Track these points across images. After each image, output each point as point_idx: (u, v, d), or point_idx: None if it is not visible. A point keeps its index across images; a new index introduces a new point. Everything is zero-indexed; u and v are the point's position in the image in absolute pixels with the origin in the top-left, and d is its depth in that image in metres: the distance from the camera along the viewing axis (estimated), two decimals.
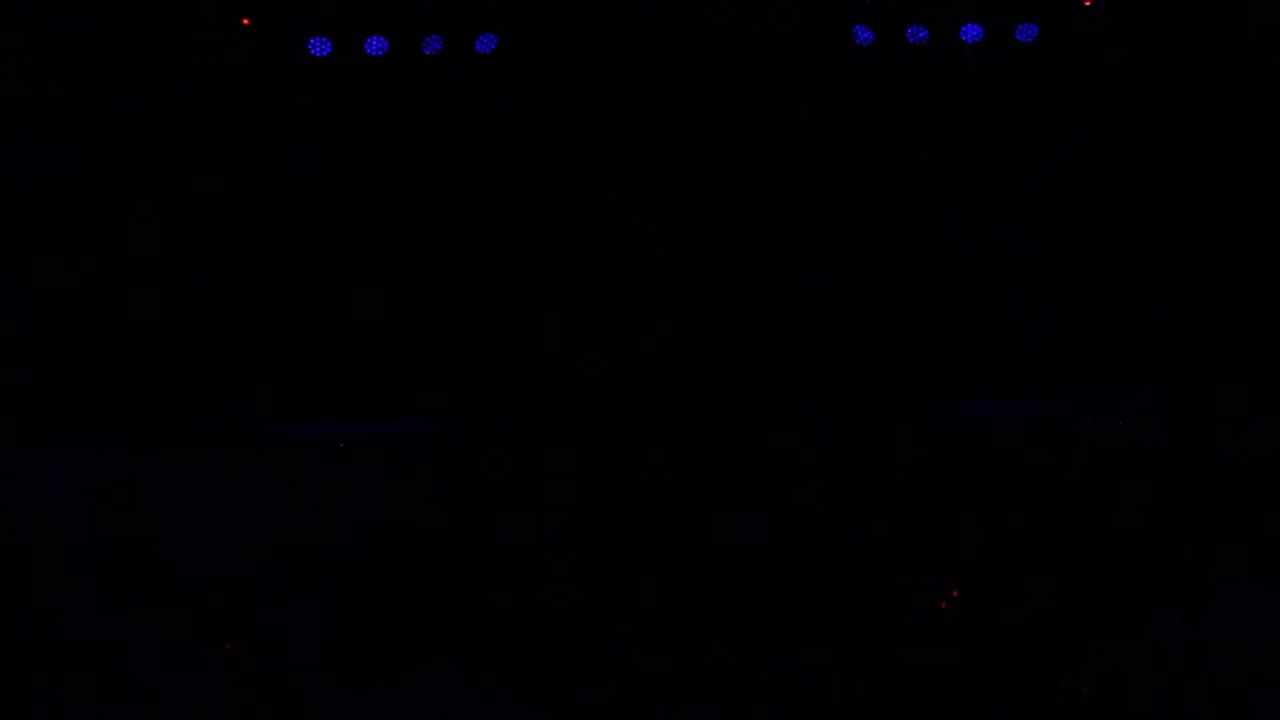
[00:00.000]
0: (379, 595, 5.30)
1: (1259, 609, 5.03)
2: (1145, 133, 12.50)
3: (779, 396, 11.84)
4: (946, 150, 12.43)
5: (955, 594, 5.88)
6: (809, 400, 11.86)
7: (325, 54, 12.42)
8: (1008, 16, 12.25)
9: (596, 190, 12.48)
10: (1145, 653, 5.04)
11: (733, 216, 12.44)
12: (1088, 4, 12.27)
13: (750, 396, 11.77)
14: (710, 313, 12.32)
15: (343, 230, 12.57)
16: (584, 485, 6.20)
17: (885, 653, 3.83)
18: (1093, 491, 6.57)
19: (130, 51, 12.06)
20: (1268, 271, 12.32)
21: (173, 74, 12.09)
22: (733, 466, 7.70)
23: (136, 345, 11.91)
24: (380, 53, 12.42)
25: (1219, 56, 11.90)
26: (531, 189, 12.69)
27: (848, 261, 12.50)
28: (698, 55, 12.29)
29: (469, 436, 11.17)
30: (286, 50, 12.33)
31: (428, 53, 12.54)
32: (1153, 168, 12.40)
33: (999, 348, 12.30)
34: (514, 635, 5.11)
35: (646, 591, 5.80)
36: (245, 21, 12.20)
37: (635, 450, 9.93)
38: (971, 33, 12.66)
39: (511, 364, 12.40)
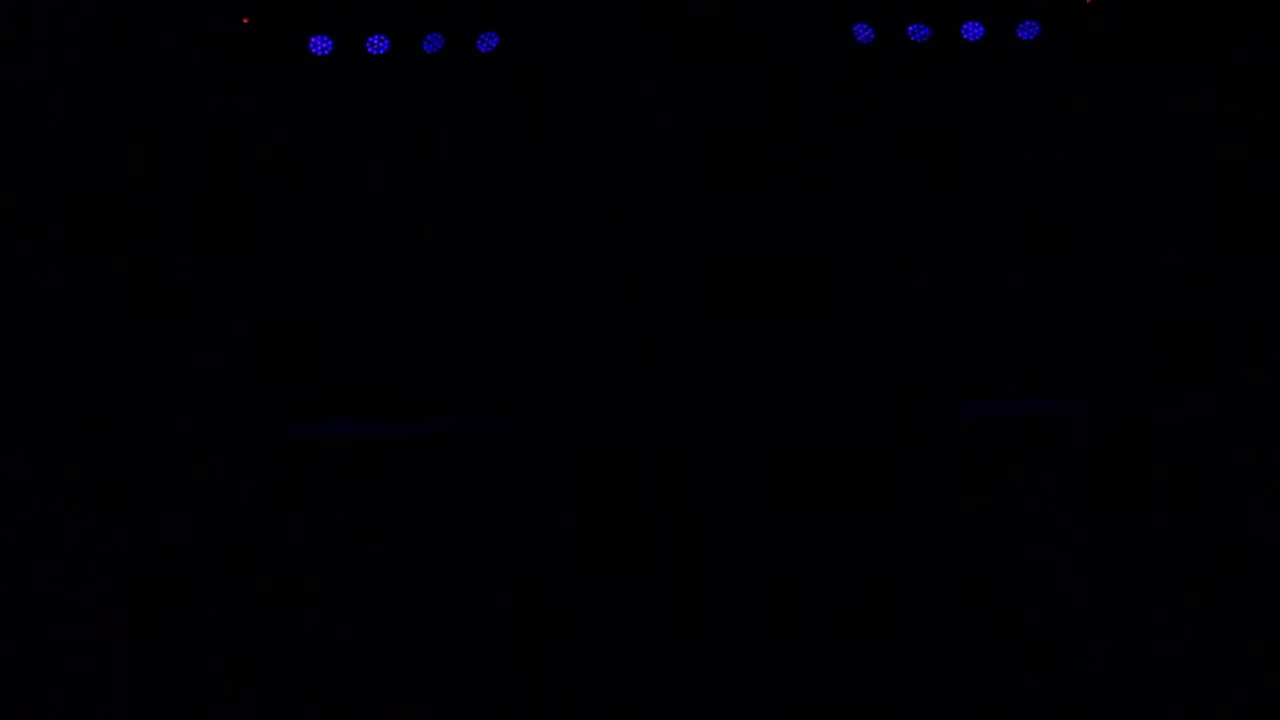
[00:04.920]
0: (379, 595, 5.34)
1: (1261, 610, 5.06)
2: (1143, 134, 12.59)
3: (778, 397, 11.92)
4: (948, 151, 12.52)
5: (957, 592, 5.92)
6: (807, 400, 11.95)
7: (326, 53, 12.52)
8: (1010, 15, 12.34)
9: (595, 193, 12.57)
10: (1145, 652, 5.07)
11: (732, 217, 12.54)
12: (1089, 1, 12.35)
13: (748, 398, 11.84)
14: (708, 314, 12.42)
15: (342, 229, 12.68)
16: (583, 485, 6.24)
17: (884, 652, 3.86)
18: (1094, 491, 6.59)
19: (127, 50, 12.15)
20: (1267, 275, 12.40)
21: (172, 73, 12.18)
22: (733, 469, 7.75)
23: (136, 345, 12.00)
24: (381, 51, 12.51)
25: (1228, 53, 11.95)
26: (532, 190, 12.78)
27: (847, 263, 12.60)
28: (699, 55, 12.38)
29: (470, 436, 11.26)
30: (286, 49, 12.43)
31: (428, 50, 12.64)
32: (1153, 169, 12.47)
33: (1000, 348, 12.39)
34: (515, 634, 5.15)
35: (646, 590, 5.83)
36: (245, 20, 12.29)
37: (634, 452, 10.00)
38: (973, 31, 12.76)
39: (512, 364, 12.49)
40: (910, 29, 12.55)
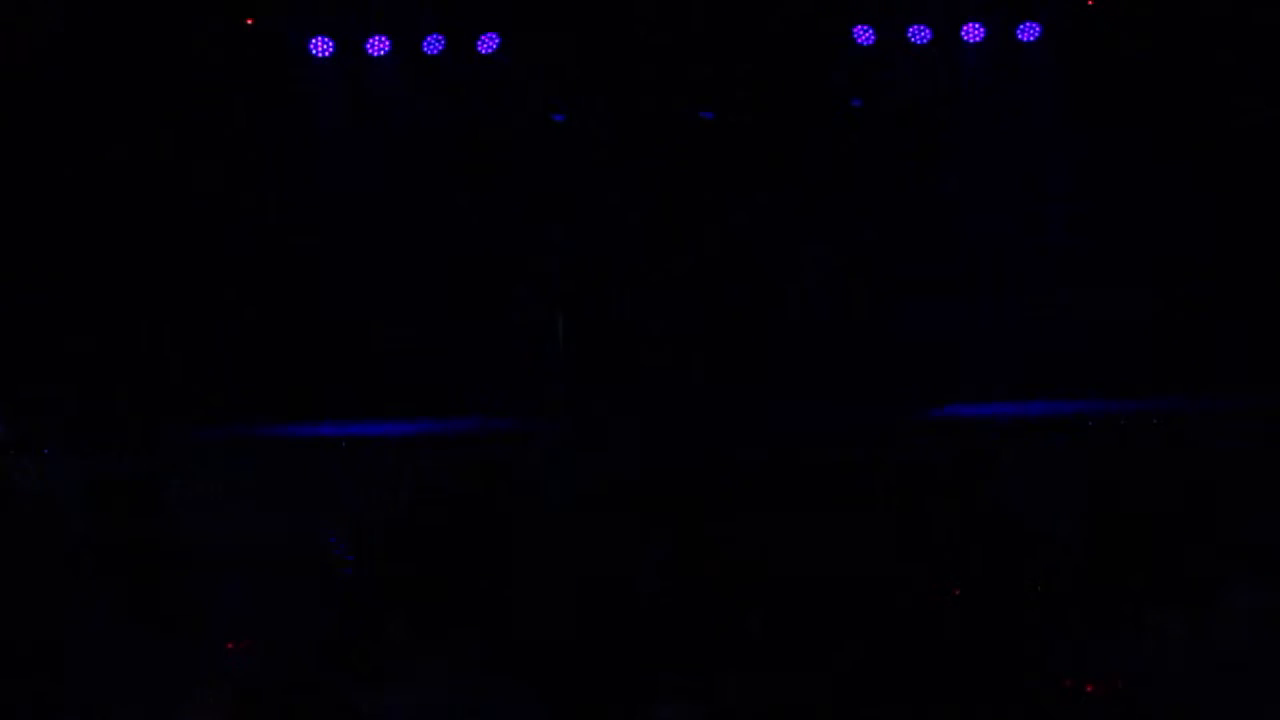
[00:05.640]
0: (379, 593, 5.32)
1: (1261, 609, 5.04)
2: (1146, 135, 12.49)
3: (782, 400, 11.84)
4: (954, 156, 12.40)
5: (956, 592, 5.89)
6: (810, 401, 11.87)
7: (327, 54, 12.43)
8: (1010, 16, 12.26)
9: (598, 196, 12.48)
10: (1145, 653, 5.04)
11: (731, 215, 12.46)
12: (1091, 3, 12.26)
13: (755, 400, 11.77)
14: (710, 313, 12.34)
15: (340, 232, 12.59)
16: (583, 484, 6.21)
17: (883, 651, 3.85)
18: (1093, 491, 6.57)
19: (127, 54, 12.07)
20: (1266, 278, 12.29)
21: (172, 74, 12.08)
22: (735, 468, 7.71)
23: (139, 348, 11.92)
24: (383, 53, 12.43)
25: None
26: (532, 190, 12.69)
27: (852, 267, 12.50)
28: (700, 59, 12.29)
29: (468, 436, 11.18)
30: (286, 50, 12.34)
31: (429, 52, 12.55)
32: (1153, 170, 12.38)
33: (1002, 350, 12.31)
34: (515, 632, 5.12)
35: (647, 587, 5.81)
36: (249, 21, 12.20)
37: (636, 449, 9.93)
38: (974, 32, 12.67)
39: (512, 365, 12.41)
40: (911, 30, 12.43)
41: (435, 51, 12.17)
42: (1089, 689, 4.62)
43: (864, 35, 12.19)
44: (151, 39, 11.59)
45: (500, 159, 12.36)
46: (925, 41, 12.12)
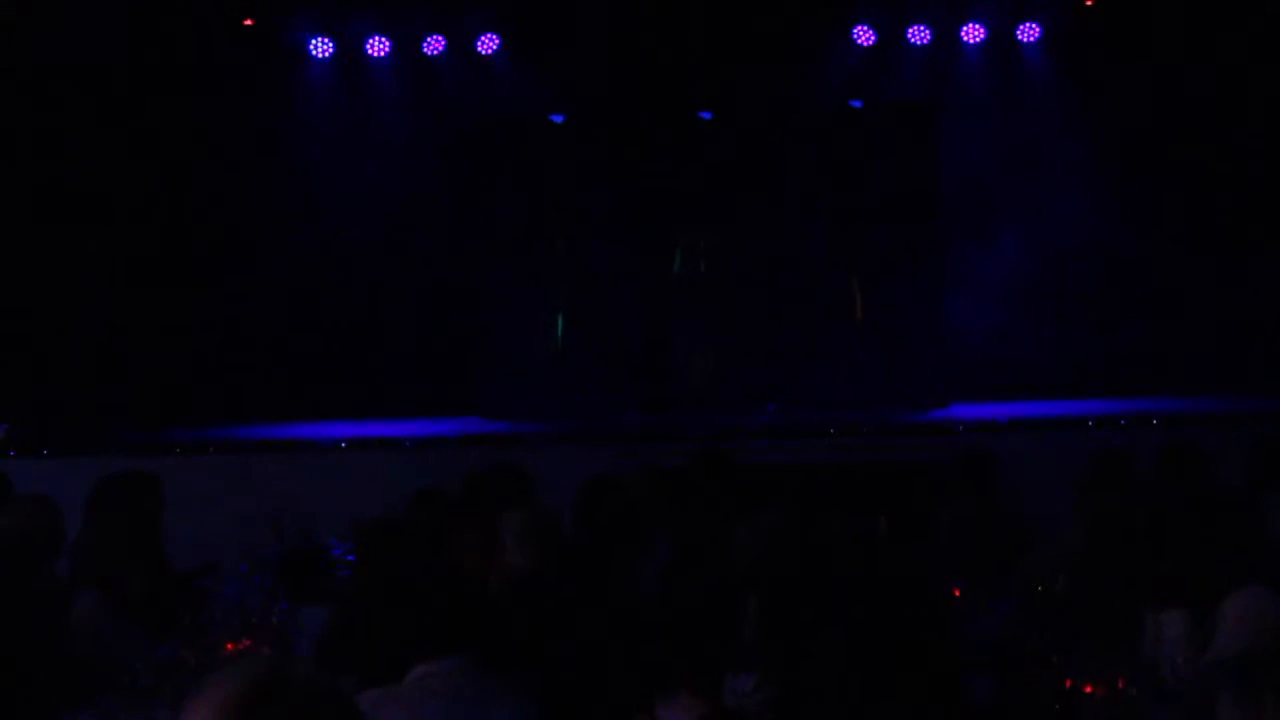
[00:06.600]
0: (379, 593, 5.32)
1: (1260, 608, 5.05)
2: (1140, 141, 12.49)
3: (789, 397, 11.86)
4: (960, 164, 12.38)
5: (956, 593, 5.90)
6: (812, 400, 11.89)
7: (327, 55, 12.43)
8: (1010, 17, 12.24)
9: (593, 196, 12.48)
10: (1145, 653, 5.05)
11: (731, 215, 12.45)
12: (1090, 4, 12.26)
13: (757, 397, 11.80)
14: (710, 313, 12.35)
15: (340, 232, 12.59)
16: (586, 484, 6.21)
17: (882, 651, 3.85)
18: (1093, 492, 6.57)
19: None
20: (1267, 279, 12.29)
21: (170, 75, 12.09)
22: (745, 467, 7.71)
23: (139, 349, 11.93)
24: (382, 53, 12.44)
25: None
26: (528, 190, 12.70)
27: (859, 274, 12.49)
28: (701, 59, 12.27)
29: (468, 436, 11.19)
30: (286, 50, 12.33)
31: (429, 53, 12.54)
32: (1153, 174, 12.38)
33: (1004, 353, 12.31)
34: (515, 633, 5.12)
35: (648, 586, 5.81)
36: (248, 22, 12.20)
37: (639, 449, 9.94)
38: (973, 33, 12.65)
39: (512, 365, 12.41)
40: (910, 31, 12.42)
41: (435, 52, 12.17)
42: (1088, 689, 4.63)
43: (864, 36, 12.18)
44: (151, 39, 11.60)
45: (499, 159, 12.36)
46: (925, 43, 12.11)
